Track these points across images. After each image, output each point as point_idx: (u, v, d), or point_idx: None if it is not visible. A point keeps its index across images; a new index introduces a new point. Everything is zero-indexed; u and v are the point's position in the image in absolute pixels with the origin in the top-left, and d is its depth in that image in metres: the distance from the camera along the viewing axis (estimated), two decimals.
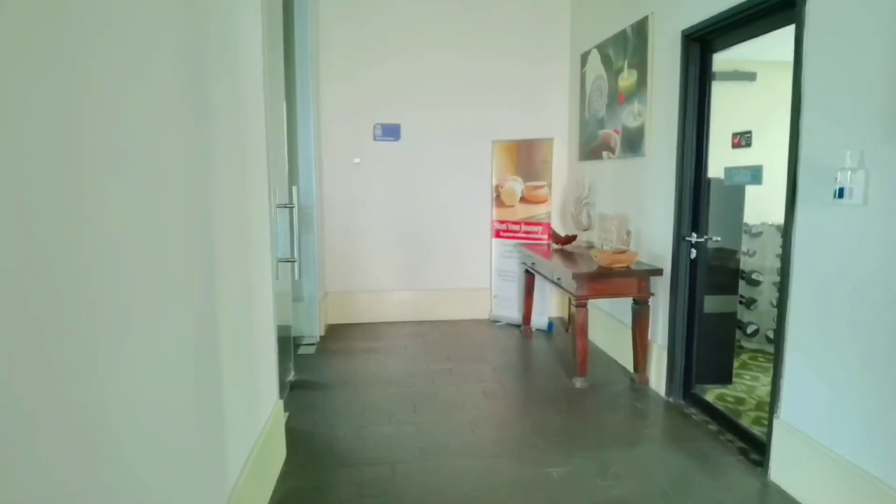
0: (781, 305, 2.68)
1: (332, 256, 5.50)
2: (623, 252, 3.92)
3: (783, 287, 2.66)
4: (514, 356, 4.65)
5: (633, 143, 4.15)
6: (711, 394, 3.64)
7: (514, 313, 5.46)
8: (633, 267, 3.84)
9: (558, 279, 4.12)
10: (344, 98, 5.34)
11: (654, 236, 3.93)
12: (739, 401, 3.59)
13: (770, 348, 4.09)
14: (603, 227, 4.46)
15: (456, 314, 5.68)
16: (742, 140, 3.13)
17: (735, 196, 3.54)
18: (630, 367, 4.11)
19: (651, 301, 3.88)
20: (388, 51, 5.34)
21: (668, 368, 3.72)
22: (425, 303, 5.64)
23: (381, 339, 5.06)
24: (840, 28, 2.31)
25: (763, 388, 3.75)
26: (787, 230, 2.63)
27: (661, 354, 3.81)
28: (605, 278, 3.80)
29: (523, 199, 5.34)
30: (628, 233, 4.14)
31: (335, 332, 5.29)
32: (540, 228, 5.26)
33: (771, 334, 4.15)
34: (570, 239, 4.84)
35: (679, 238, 3.60)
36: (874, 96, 2.15)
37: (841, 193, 2.22)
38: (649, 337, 3.92)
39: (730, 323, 3.74)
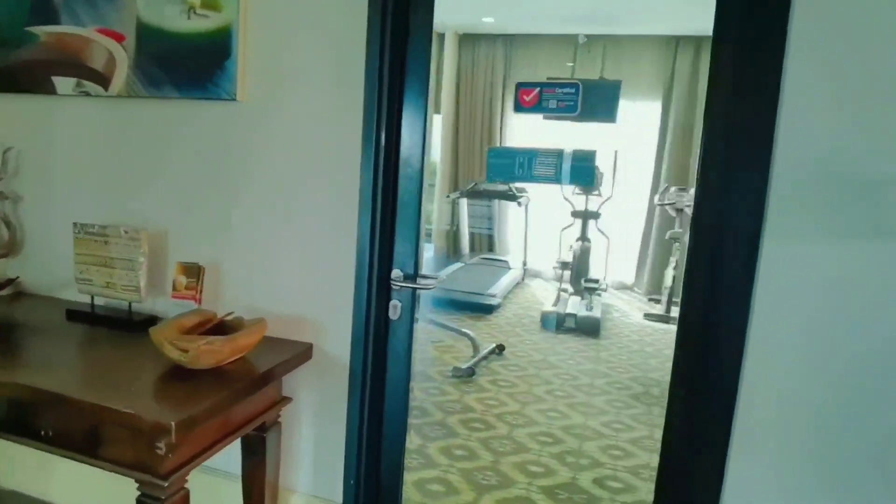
0: (722, 424, 1.46)
1: None
2: (241, 327, 1.66)
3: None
4: None
5: (183, 66, 1.83)
6: None
7: None
8: (250, 357, 1.68)
9: (49, 436, 1.44)
10: None
11: (275, 276, 1.86)
12: None
13: None
14: (93, 252, 1.89)
15: None
16: (543, 98, 1.62)
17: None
18: None
19: (285, 413, 1.83)
20: None
21: None
22: None
23: None
24: None
25: None
26: (748, 273, 1.41)
27: None
28: (219, 408, 1.50)
29: None
30: (196, 272, 1.83)
31: None
32: None
33: None
34: None
35: (371, 280, 1.75)
36: None
37: None
38: (281, 483, 1.86)
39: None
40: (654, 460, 2.96)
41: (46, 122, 2.06)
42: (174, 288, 1.86)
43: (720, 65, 1.46)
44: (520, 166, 1.66)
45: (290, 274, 1.84)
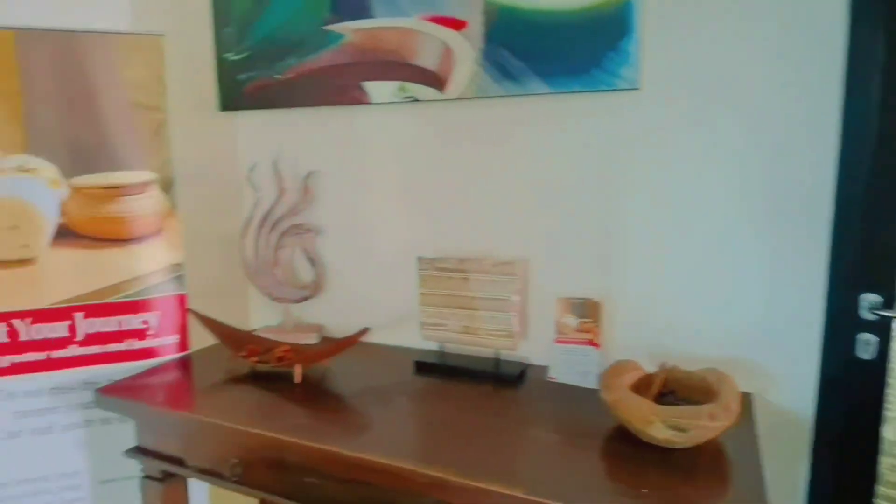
0: None
1: None
2: (701, 383, 1.28)
3: None
4: None
5: (555, 52, 1.44)
6: None
7: None
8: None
9: None
10: None
11: (685, 310, 1.46)
12: None
13: None
14: (444, 291, 1.55)
15: None
16: None
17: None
18: None
19: None
20: None
21: None
22: None
23: None
24: None
25: None
26: None
27: None
28: None
29: (76, 232, 1.59)
30: (591, 310, 1.46)
31: None
32: (141, 322, 1.68)
33: None
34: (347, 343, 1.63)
35: (845, 307, 1.32)
36: None
37: None
38: None
39: None
40: None
41: (356, 139, 1.72)
42: (559, 331, 1.49)
43: None
44: None
45: (708, 303, 1.43)
